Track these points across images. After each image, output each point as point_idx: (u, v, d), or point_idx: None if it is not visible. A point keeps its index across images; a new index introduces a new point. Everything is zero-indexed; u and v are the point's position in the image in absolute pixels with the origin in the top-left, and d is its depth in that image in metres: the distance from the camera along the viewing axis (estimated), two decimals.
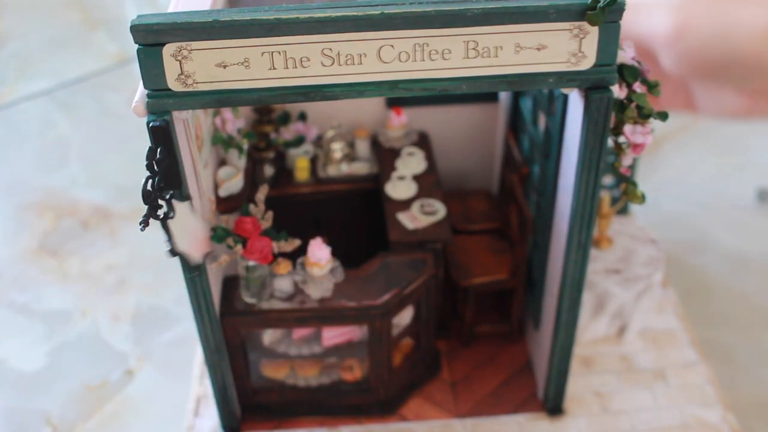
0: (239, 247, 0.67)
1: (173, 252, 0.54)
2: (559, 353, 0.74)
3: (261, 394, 0.79)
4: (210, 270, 0.69)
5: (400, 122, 0.89)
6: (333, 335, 0.76)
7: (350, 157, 0.91)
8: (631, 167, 0.64)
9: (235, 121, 0.75)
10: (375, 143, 0.91)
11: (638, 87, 0.60)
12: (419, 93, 0.57)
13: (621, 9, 0.54)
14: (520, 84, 0.57)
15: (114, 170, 1.17)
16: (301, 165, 0.88)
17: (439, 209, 0.81)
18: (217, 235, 0.67)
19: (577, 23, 0.55)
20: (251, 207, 0.70)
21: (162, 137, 0.56)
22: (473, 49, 0.56)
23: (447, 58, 0.56)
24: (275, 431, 0.79)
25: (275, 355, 0.78)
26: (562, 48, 0.56)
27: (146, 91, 0.56)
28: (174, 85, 0.56)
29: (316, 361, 0.79)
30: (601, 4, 0.53)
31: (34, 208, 1.11)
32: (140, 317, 0.95)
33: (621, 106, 0.61)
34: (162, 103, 0.56)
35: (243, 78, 0.56)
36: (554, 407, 0.79)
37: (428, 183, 0.86)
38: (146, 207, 0.52)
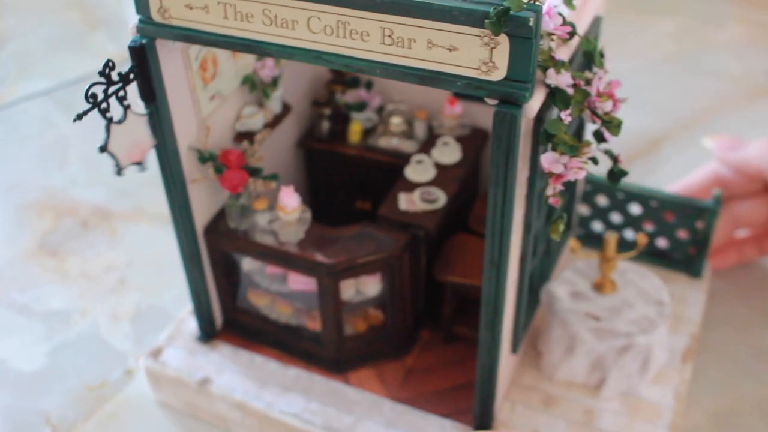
0: (211, 171, 0.76)
1: (102, 149, 0.64)
2: (480, 373, 0.72)
3: (240, 314, 0.88)
4: (200, 188, 0.79)
5: (452, 112, 0.90)
6: (297, 280, 0.82)
7: (407, 134, 0.94)
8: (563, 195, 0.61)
9: (273, 68, 0.83)
10: (430, 127, 0.94)
11: (566, 115, 0.57)
12: (340, 67, 0.60)
13: (525, 24, 0.52)
14: (429, 81, 0.57)
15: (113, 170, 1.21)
16: (354, 128, 0.93)
17: (439, 199, 0.82)
18: (202, 157, 0.76)
19: (487, 31, 0.54)
20: (244, 143, 0.79)
21: (136, 56, 0.66)
22: (389, 36, 0.57)
23: (366, 40, 0.58)
24: (240, 349, 0.87)
25: (253, 283, 0.86)
26: (472, 54, 0.55)
27: (138, 17, 0.67)
28: (155, 15, 0.65)
29: (290, 302, 0.86)
30: (492, 12, 0.51)
31: (34, 207, 1.12)
32: (140, 317, 0.96)
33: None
34: (146, 29, 0.66)
35: (203, 21, 0.64)
36: (480, 426, 0.77)
37: (450, 175, 0.86)
38: (89, 106, 0.63)
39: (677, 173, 1.12)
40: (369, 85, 0.95)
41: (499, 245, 0.63)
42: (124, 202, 1.14)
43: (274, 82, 0.82)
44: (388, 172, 0.94)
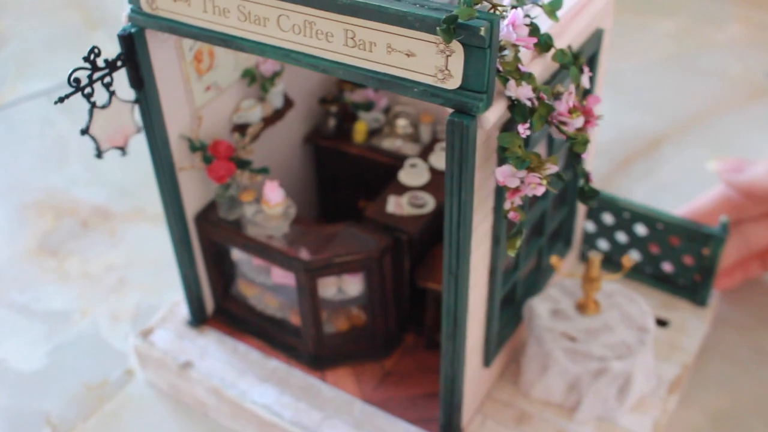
0: (198, 160, 0.77)
1: (84, 131, 0.66)
2: (444, 383, 0.71)
3: (230, 303, 0.90)
4: (193, 176, 0.81)
5: None
6: (280, 274, 0.83)
7: (412, 137, 0.93)
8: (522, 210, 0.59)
9: (275, 64, 0.84)
10: (434, 132, 0.93)
11: (524, 129, 0.55)
12: (306, 66, 0.60)
13: (477, 34, 0.51)
14: (388, 85, 0.57)
15: (114, 170, 1.17)
16: (358, 128, 0.94)
17: (428, 204, 0.81)
18: (192, 146, 0.78)
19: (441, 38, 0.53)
20: (236, 135, 0.80)
21: (125, 45, 0.68)
22: (351, 38, 0.57)
23: (330, 41, 0.58)
24: (226, 336, 0.89)
25: (242, 273, 0.87)
26: (429, 60, 0.54)
27: (130, 6, 0.69)
28: (144, 6, 0.67)
29: (275, 295, 0.87)
30: (443, 19, 0.50)
31: (34, 207, 1.12)
32: (140, 317, 0.96)
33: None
34: (137, 19, 0.68)
35: (185, 14, 0.65)
36: None
37: (443, 181, 0.85)
38: (71, 89, 0.65)
39: (677, 173, 1.11)
40: None
41: (456, 255, 0.62)
42: (124, 202, 1.14)
43: (272, 78, 0.83)
44: (390, 173, 0.93)
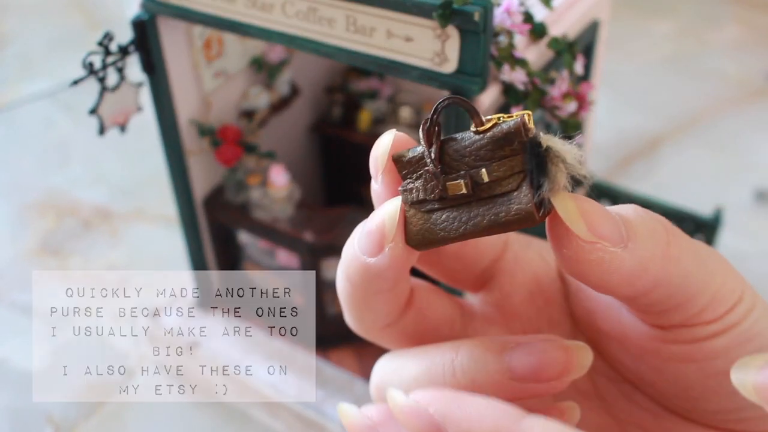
0: (207, 144, 0.80)
1: (92, 111, 0.69)
2: None
3: (237, 284, 0.92)
4: (202, 160, 0.84)
5: None
6: (285, 255, 0.85)
7: (416, 126, 0.96)
8: None
9: (282, 52, 0.86)
10: None
11: (517, 111, 0.58)
12: (310, 51, 0.63)
13: (471, 19, 0.53)
14: (388, 69, 0.59)
15: (115, 170, 1.19)
16: (363, 117, 0.96)
17: None
18: (201, 130, 0.81)
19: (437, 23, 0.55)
20: (243, 120, 0.82)
21: (138, 31, 0.71)
22: (353, 24, 0.60)
23: (333, 27, 0.61)
24: (233, 317, 0.92)
25: (248, 255, 0.90)
26: (427, 45, 0.57)
27: None
28: None
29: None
30: (438, 4, 0.53)
31: (36, 208, 1.13)
32: (140, 317, 0.95)
33: None
34: (149, 5, 0.71)
35: (194, 1, 0.68)
36: None
37: None
38: (86, 73, 0.68)
39: (676, 173, 1.13)
40: (381, 75, 0.97)
41: None
42: (126, 202, 1.15)
43: (279, 66, 0.86)
44: None
